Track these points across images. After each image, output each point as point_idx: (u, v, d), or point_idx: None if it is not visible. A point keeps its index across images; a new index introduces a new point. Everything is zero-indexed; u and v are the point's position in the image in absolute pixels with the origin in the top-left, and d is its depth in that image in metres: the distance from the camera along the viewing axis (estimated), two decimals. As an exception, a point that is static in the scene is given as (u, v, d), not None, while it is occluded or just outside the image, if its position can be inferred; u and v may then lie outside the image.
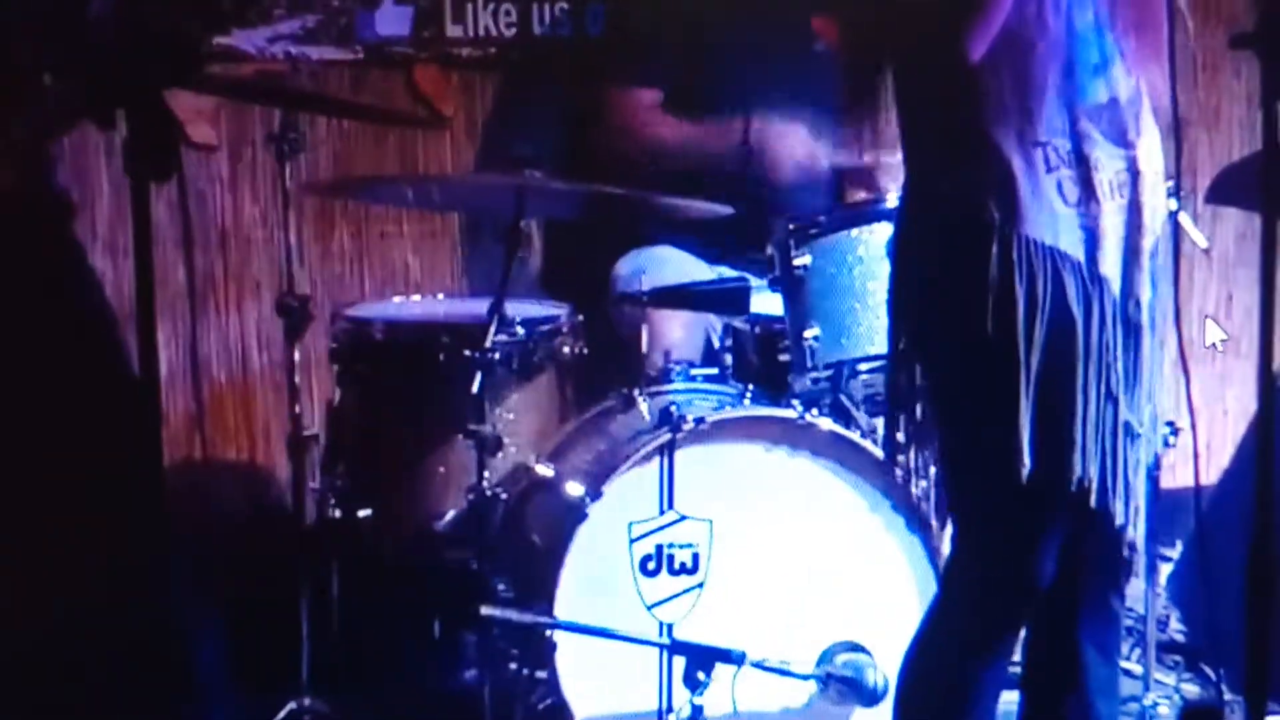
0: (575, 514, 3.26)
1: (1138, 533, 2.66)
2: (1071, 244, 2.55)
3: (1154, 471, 2.77)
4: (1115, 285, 2.58)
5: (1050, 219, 2.54)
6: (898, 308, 2.74)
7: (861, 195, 4.02)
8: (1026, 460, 2.55)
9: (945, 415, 2.72)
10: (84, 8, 2.69)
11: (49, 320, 2.81)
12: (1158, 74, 2.61)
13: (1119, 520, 2.63)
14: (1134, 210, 2.59)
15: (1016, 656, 2.86)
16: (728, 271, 3.84)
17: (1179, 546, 3.81)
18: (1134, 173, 2.59)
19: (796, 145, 3.88)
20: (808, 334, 3.36)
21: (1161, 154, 2.66)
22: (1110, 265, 2.58)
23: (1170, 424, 2.96)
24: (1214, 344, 3.16)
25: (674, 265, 3.88)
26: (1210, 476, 3.68)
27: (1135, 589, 3.22)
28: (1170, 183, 2.88)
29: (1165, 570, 3.71)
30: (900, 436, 2.82)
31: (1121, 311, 2.60)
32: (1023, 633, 2.81)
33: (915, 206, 2.70)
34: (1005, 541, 2.68)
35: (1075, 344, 2.56)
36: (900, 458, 2.91)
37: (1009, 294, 2.54)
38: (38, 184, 2.79)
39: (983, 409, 2.60)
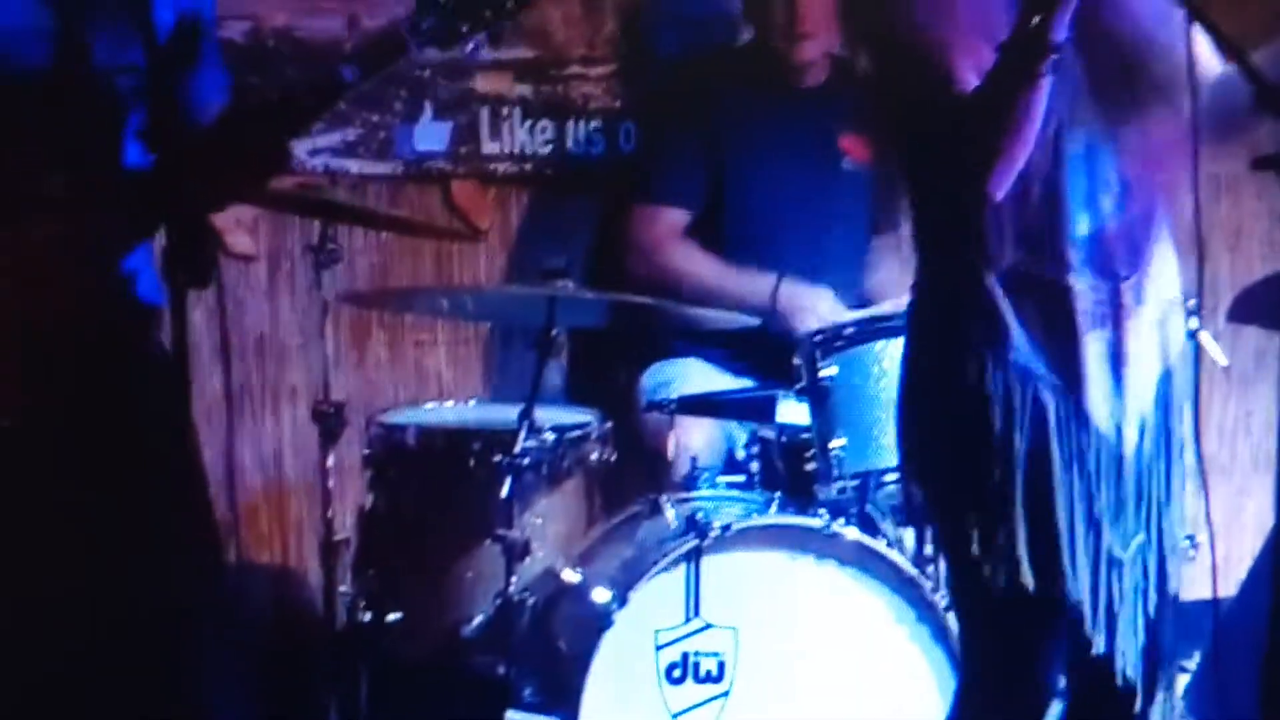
0: (602, 620, 3.26)
1: (1127, 663, 2.61)
2: (1051, 371, 2.54)
3: (1174, 588, 2.76)
4: (1098, 416, 2.56)
5: (1029, 344, 2.53)
6: (903, 421, 2.73)
7: (888, 307, 4.05)
8: (1029, 580, 2.54)
9: (946, 530, 2.72)
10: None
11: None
12: (1177, 197, 2.60)
13: (1097, 649, 2.59)
14: (1118, 343, 2.56)
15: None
16: (753, 383, 3.84)
17: (1196, 657, 3.79)
18: (1117, 305, 2.56)
19: (821, 309, 3.85)
20: (834, 444, 3.37)
21: (1177, 281, 2.64)
22: (1092, 395, 2.55)
23: (1190, 537, 2.96)
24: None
25: (700, 376, 3.89)
26: (1228, 589, 3.67)
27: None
28: (1193, 301, 2.88)
29: (1183, 681, 3.68)
30: (928, 548, 2.82)
31: (1105, 442, 2.57)
32: None
33: (917, 321, 2.70)
34: (1012, 654, 2.66)
35: (1054, 468, 2.54)
36: (929, 568, 2.88)
37: (989, 417, 2.53)
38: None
39: (980, 527, 2.58)
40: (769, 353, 3.76)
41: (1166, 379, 2.64)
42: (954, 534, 2.67)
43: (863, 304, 3.95)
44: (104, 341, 2.63)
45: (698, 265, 3.96)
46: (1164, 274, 2.62)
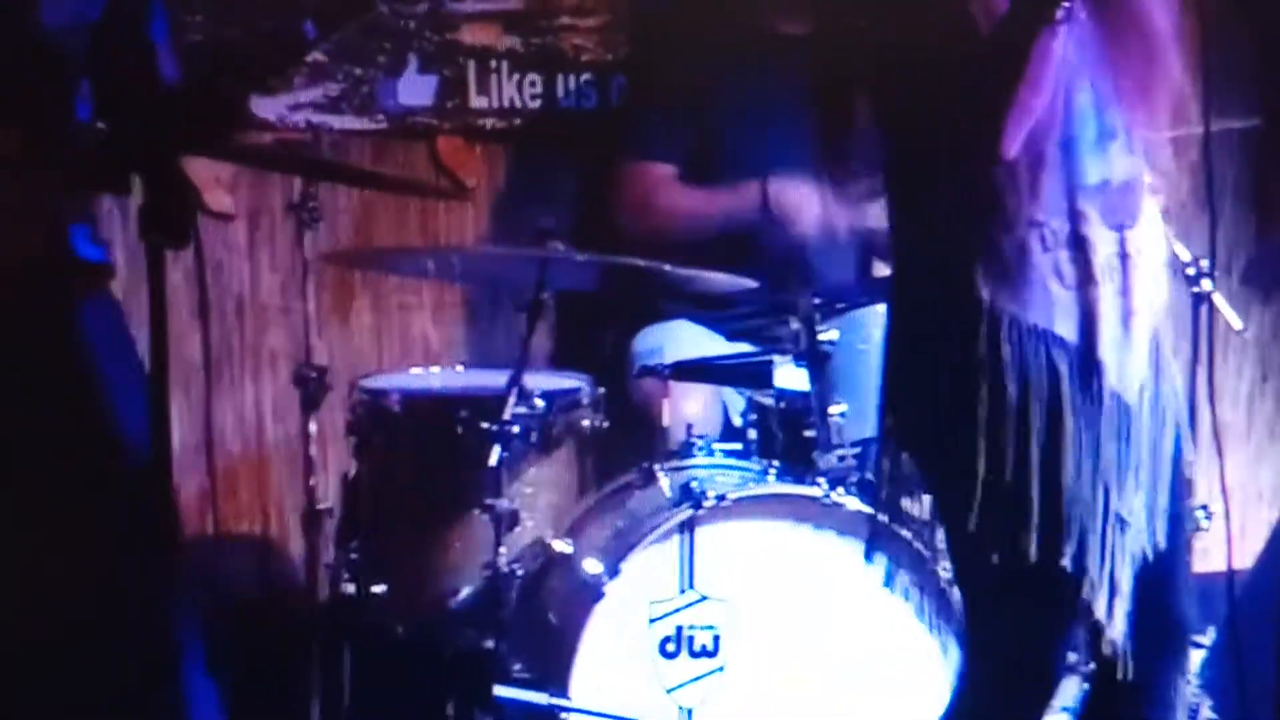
0: (593, 592, 3.23)
1: (1116, 631, 2.54)
2: (1066, 327, 2.50)
3: (1186, 556, 2.69)
4: (1111, 369, 2.52)
5: (1044, 300, 2.49)
6: (889, 390, 2.65)
7: (888, 269, 3.98)
8: (1037, 552, 2.48)
9: (943, 501, 2.65)
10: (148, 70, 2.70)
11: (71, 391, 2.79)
12: (1166, 148, 2.58)
13: (1097, 615, 2.53)
14: (1126, 294, 2.53)
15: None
16: (749, 348, 3.78)
17: (1211, 633, 3.74)
18: (1124, 256, 2.53)
19: (816, 200, 3.80)
20: (834, 410, 3.33)
21: (1164, 236, 2.61)
22: (1106, 349, 2.51)
23: (1203, 507, 2.91)
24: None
25: (694, 340, 3.85)
26: (1244, 561, 3.61)
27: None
28: (1205, 262, 2.82)
29: (1197, 657, 3.63)
30: (884, 519, 2.73)
31: (1115, 396, 2.52)
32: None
33: (906, 283, 2.65)
34: (1020, 630, 2.61)
35: (1066, 429, 2.49)
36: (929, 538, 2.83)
37: (999, 378, 2.47)
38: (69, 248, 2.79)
39: (989, 498, 2.51)
40: (767, 316, 3.72)
41: (1155, 338, 2.60)
42: (958, 506, 2.59)
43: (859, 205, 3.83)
44: (49, 301, 2.65)
45: (687, 200, 3.93)
46: (1153, 228, 2.59)
